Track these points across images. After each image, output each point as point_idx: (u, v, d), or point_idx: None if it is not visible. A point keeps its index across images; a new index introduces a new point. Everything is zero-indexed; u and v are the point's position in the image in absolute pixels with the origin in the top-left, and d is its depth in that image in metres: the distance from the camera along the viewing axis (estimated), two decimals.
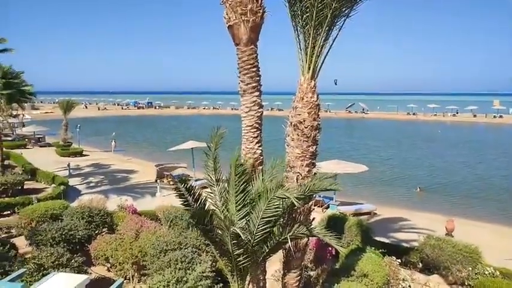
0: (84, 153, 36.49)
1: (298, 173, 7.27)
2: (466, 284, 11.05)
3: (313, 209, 19.86)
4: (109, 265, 11.12)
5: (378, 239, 13.70)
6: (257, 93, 7.81)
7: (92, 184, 24.46)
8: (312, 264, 11.52)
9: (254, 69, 7.74)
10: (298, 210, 7.33)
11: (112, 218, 13.73)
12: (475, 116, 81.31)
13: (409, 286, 10.69)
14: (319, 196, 20.14)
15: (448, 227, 15.52)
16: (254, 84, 7.76)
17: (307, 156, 7.25)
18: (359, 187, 25.18)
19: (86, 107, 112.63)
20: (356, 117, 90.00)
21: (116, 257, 10.56)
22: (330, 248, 11.98)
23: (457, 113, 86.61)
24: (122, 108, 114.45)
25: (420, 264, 12.31)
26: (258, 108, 7.82)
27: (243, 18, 7.46)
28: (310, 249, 11.73)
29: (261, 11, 7.59)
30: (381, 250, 11.56)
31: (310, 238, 11.16)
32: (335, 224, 13.61)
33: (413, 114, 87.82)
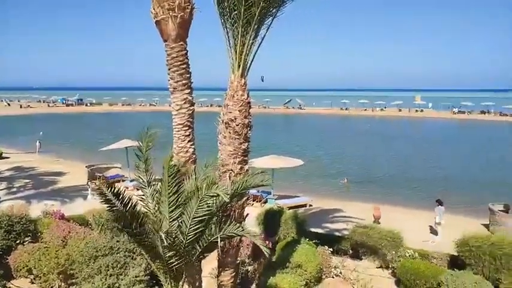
0: (3, 155, 33.17)
1: (231, 170, 7.31)
2: (390, 266, 12.00)
3: (252, 204, 20.23)
4: (32, 277, 10.29)
5: (312, 230, 14.31)
6: (188, 91, 7.69)
7: (13, 189, 22.34)
8: (250, 259, 11.69)
9: (184, 66, 7.61)
10: (232, 208, 7.38)
11: (36, 226, 12.67)
12: (400, 110, 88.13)
13: (340, 272, 11.35)
14: (258, 191, 20.49)
15: (375, 214, 16.68)
16: (184, 82, 7.63)
17: (239, 153, 7.32)
18: (296, 180, 26.03)
19: (9, 104, 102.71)
20: (293, 112, 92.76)
21: (40, 267, 9.80)
22: (267, 242, 12.25)
23: (385, 107, 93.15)
24: (49, 106, 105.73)
25: (350, 251, 13.10)
26: (189, 106, 7.71)
27: (170, 13, 7.28)
28: (247, 245, 11.91)
29: (189, 7, 7.47)
30: (314, 241, 12.10)
31: None
32: (272, 217, 13.97)
33: (346, 109, 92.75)
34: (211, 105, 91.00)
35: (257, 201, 20.32)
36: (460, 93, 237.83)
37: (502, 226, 15.87)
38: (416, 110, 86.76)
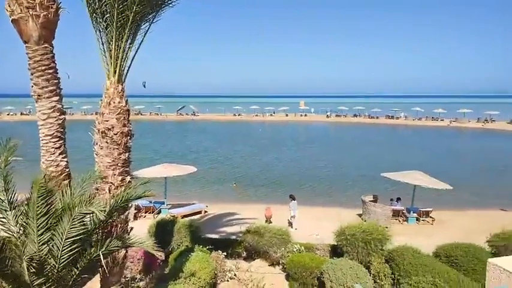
0: None
1: (111, 183, 6.83)
2: (281, 262, 12.67)
3: (144, 215, 19.20)
4: None
5: (208, 236, 14.29)
6: (56, 98, 6.94)
7: None
8: (142, 274, 11.10)
9: (50, 70, 6.86)
10: (114, 223, 6.89)
11: None
12: (287, 115, 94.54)
13: (235, 275, 11.57)
14: (150, 202, 19.66)
15: (266, 214, 17.49)
16: (52, 88, 6.88)
17: (119, 164, 6.88)
18: (193, 188, 25.73)
19: None
20: (187, 119, 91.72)
21: None
22: (160, 254, 11.79)
23: (274, 113, 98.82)
24: None
25: (244, 252, 13.43)
26: (59, 115, 6.97)
27: (31, 12, 6.50)
28: (138, 260, 11.30)
29: (54, 6, 6.78)
30: (208, 247, 12.08)
31: (136, 248, 10.73)
32: (164, 228, 13.53)
33: (239, 115, 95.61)
34: (96, 113, 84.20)
35: (149, 213, 19.47)
36: (339, 98, 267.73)
37: (372, 214, 18.21)
38: (301, 115, 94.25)
